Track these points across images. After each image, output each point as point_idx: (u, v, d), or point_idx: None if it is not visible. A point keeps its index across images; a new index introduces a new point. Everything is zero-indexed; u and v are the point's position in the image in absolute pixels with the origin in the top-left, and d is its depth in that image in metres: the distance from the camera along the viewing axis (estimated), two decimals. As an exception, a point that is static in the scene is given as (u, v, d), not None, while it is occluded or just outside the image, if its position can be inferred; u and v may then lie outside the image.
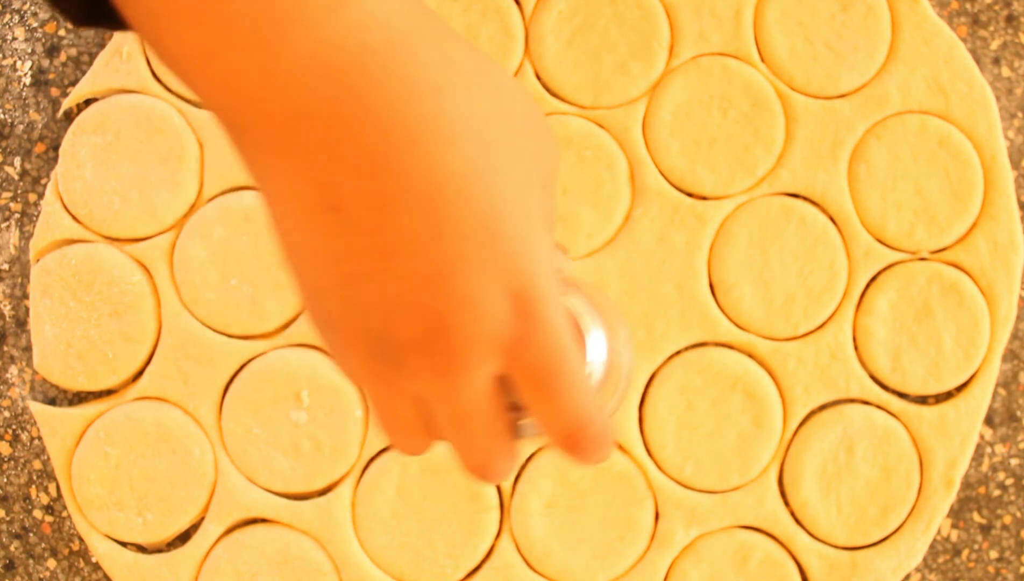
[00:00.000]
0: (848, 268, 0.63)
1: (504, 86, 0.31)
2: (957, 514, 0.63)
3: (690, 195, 0.63)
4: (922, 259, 0.63)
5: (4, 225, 0.64)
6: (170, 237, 0.63)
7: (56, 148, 0.64)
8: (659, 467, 0.62)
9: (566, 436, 0.33)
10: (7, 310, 0.64)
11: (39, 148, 0.64)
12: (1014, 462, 0.63)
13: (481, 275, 0.29)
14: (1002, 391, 0.63)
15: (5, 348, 0.64)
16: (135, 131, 0.62)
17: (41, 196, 0.64)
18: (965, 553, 0.63)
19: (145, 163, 0.62)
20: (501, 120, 0.29)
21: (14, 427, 0.63)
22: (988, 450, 0.63)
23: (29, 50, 0.64)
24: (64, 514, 0.63)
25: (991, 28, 0.65)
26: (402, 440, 0.35)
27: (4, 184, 0.64)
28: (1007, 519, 0.63)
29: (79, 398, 0.64)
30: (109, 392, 0.63)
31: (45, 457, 0.63)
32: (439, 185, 0.28)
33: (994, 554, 0.63)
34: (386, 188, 0.28)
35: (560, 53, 0.63)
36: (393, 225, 0.28)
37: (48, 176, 0.64)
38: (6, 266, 0.64)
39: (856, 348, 0.63)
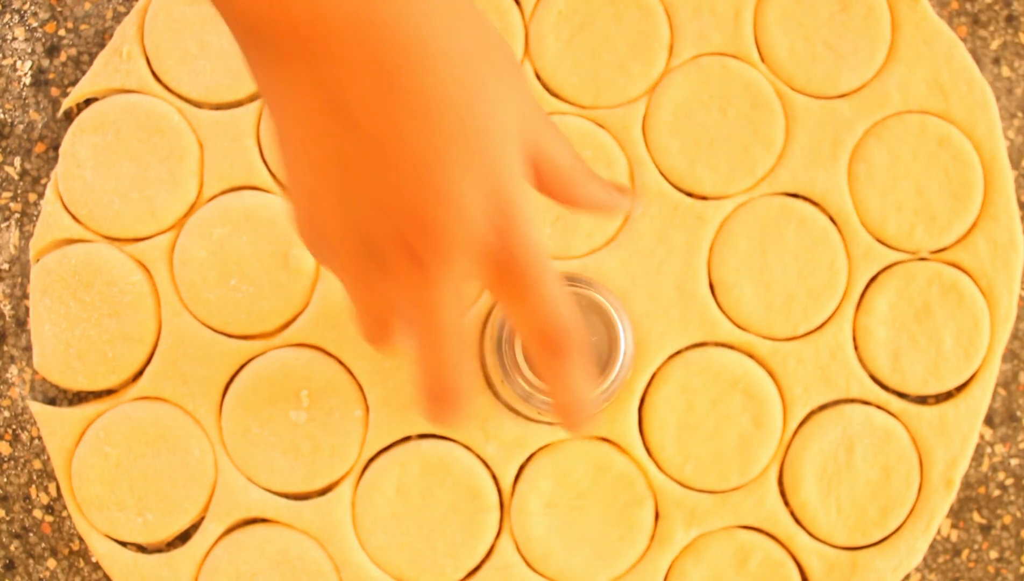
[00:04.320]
0: (848, 268, 0.62)
1: (485, 25, 0.34)
2: (957, 514, 0.63)
3: (690, 195, 0.63)
4: (922, 259, 0.63)
5: (4, 225, 0.64)
6: (170, 237, 0.63)
7: (56, 148, 0.64)
8: (659, 467, 0.62)
9: (542, 334, 0.35)
10: (7, 310, 0.64)
11: (39, 148, 0.64)
12: (1014, 462, 0.63)
13: (465, 181, 0.32)
14: (1002, 391, 0.63)
15: (5, 348, 0.64)
16: (135, 131, 0.62)
17: (41, 196, 0.64)
18: (965, 553, 0.63)
19: (145, 163, 0.62)
20: (486, 55, 0.33)
21: (14, 427, 0.63)
22: (988, 450, 0.63)
23: (29, 50, 0.64)
24: (64, 514, 0.63)
25: (991, 28, 0.65)
26: (372, 334, 0.39)
27: (4, 184, 0.64)
28: (1007, 519, 0.63)
29: (79, 398, 0.64)
30: (109, 392, 0.63)
31: (45, 457, 0.63)
32: (438, 102, 0.31)
33: (994, 554, 0.63)
34: (391, 99, 0.31)
35: (560, 53, 0.63)
36: (394, 133, 0.31)
37: (48, 176, 0.64)
38: (6, 266, 0.64)
39: (856, 348, 0.62)
